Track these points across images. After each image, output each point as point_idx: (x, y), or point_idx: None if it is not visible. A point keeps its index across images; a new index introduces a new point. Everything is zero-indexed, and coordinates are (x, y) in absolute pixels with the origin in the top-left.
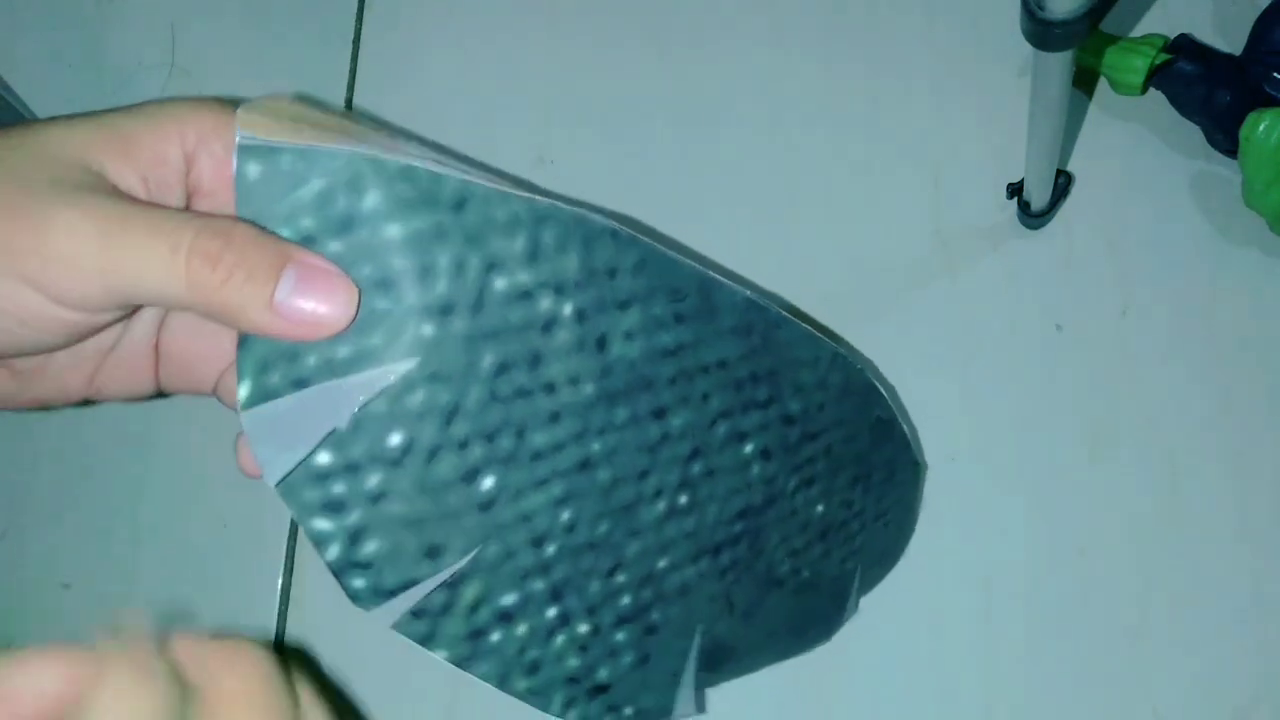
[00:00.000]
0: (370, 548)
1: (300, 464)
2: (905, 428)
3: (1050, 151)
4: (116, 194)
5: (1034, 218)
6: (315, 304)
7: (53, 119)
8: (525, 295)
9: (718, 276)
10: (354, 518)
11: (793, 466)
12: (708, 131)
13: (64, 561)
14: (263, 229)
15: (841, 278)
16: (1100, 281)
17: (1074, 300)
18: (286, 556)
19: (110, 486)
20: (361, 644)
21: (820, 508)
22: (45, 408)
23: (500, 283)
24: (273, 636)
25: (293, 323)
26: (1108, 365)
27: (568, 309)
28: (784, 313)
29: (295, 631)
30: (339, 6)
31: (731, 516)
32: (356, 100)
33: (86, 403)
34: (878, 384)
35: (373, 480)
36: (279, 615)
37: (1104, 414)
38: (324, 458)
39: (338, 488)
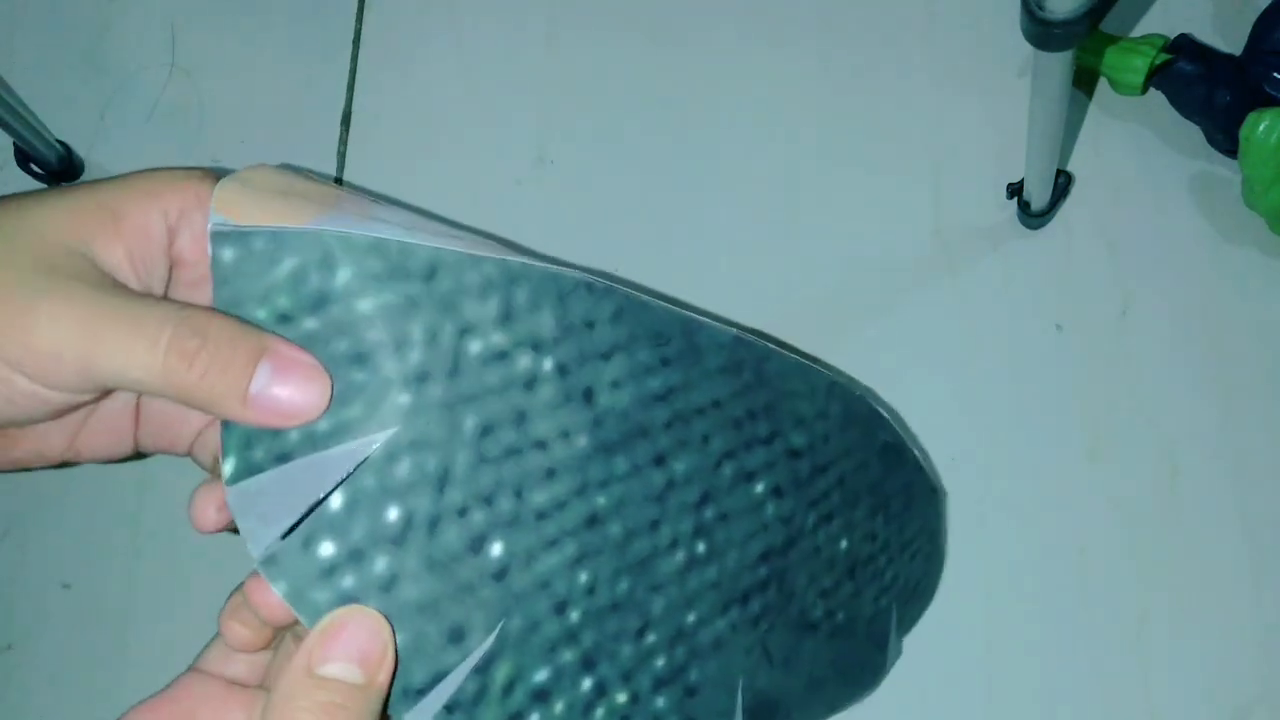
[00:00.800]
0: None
1: (304, 561)
2: (916, 452)
3: (1050, 151)
4: (101, 282)
5: (1034, 218)
6: (290, 395)
7: (39, 194)
8: (501, 356)
9: (699, 317)
10: None
11: (808, 502)
12: (707, 131)
13: (64, 561)
14: (240, 320)
15: (842, 277)
16: (1100, 281)
17: (1074, 300)
18: None
19: (110, 486)
20: None
21: (844, 543)
22: (23, 469)
23: (475, 346)
24: None
25: (267, 413)
26: (1108, 365)
27: (548, 364)
28: (772, 346)
29: None
30: (339, 6)
31: (754, 560)
32: (356, 100)
33: (64, 465)
34: (880, 409)
35: (380, 564)
36: None
37: (1104, 414)
38: (327, 548)
39: (347, 581)
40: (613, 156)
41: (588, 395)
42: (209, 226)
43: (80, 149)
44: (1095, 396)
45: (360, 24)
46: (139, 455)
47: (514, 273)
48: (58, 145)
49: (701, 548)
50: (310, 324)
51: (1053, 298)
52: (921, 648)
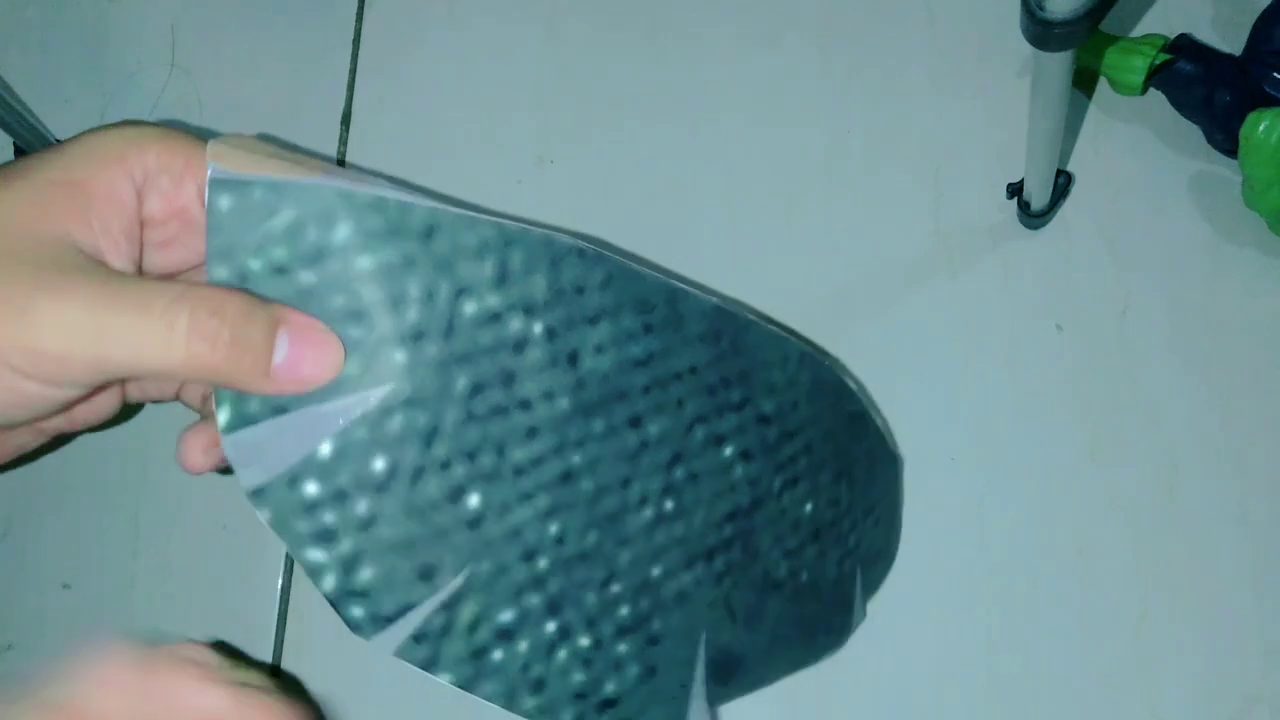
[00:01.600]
0: (365, 575)
1: (288, 495)
2: (879, 421)
3: (1050, 151)
4: (93, 269)
5: (1034, 218)
6: (309, 364)
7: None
8: (495, 318)
9: (684, 286)
10: (346, 546)
11: (775, 466)
12: (707, 131)
13: (64, 561)
14: (246, 292)
15: (842, 277)
16: (1100, 281)
17: (1074, 300)
18: (286, 558)
19: (110, 487)
20: (364, 645)
21: (809, 506)
22: (20, 454)
23: (470, 307)
24: (273, 638)
25: (289, 385)
26: (1108, 365)
27: (538, 328)
28: (751, 317)
29: (295, 633)
30: (339, 6)
31: (720, 519)
32: (356, 100)
33: (59, 438)
34: (846, 380)
35: (361, 506)
36: (279, 617)
37: (1104, 414)
38: (311, 488)
39: (328, 517)
40: (613, 156)
41: (572, 358)
42: (208, 174)
43: None
44: (1095, 396)
45: (360, 24)
46: (126, 411)
47: (510, 235)
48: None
49: (670, 505)
50: (307, 278)
51: (1053, 298)
52: (921, 649)
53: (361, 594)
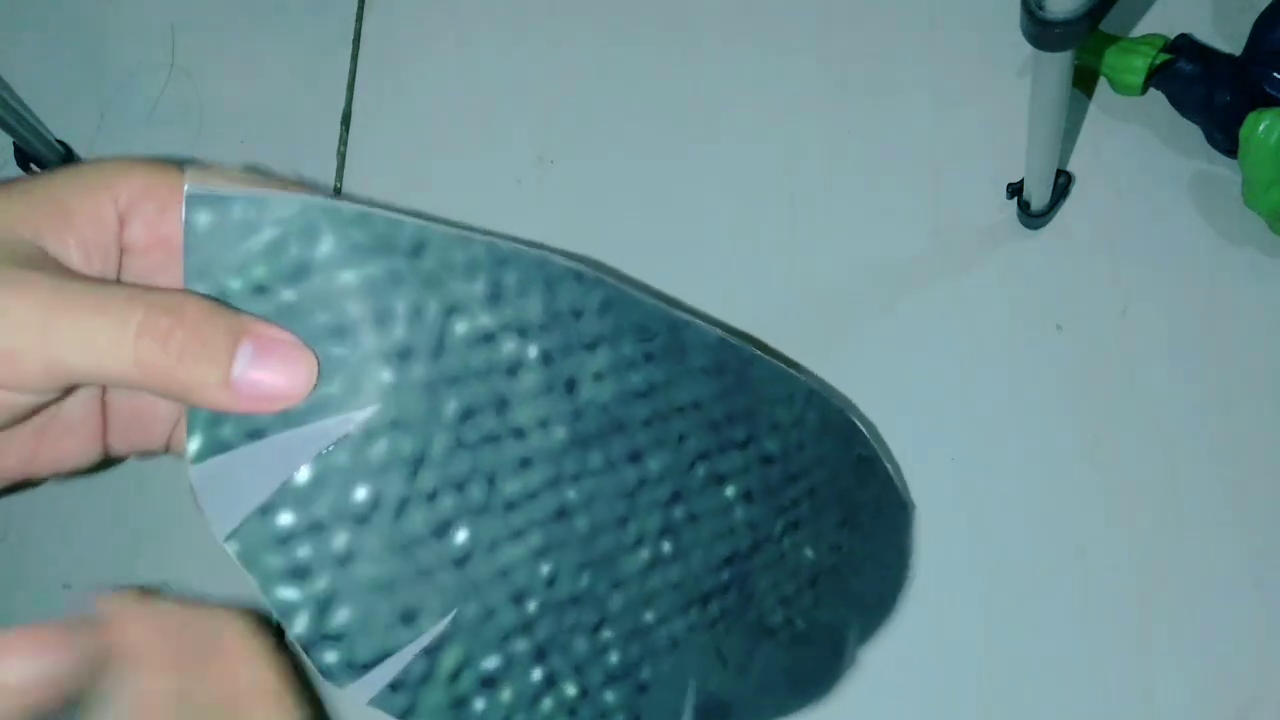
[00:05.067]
0: (341, 616)
1: (260, 526)
2: (889, 467)
3: (1050, 151)
4: (56, 268)
5: (1034, 218)
6: (274, 378)
7: None
8: (488, 338)
9: (686, 316)
10: (322, 584)
11: (777, 509)
12: (707, 131)
13: (64, 562)
14: (213, 300)
15: (842, 277)
16: (1100, 281)
17: (1074, 300)
18: None
19: (110, 487)
20: None
21: (809, 552)
22: None
23: (461, 326)
24: (272, 639)
25: (251, 399)
26: (1107, 365)
27: (533, 351)
28: (756, 351)
29: None
30: (339, 7)
31: (718, 563)
32: (356, 100)
33: (23, 485)
34: (857, 422)
35: (340, 540)
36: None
37: (1104, 413)
38: (286, 518)
39: (302, 551)
40: (612, 157)
41: (570, 385)
42: (184, 189)
43: (80, 149)
44: (1095, 396)
45: (360, 24)
46: (108, 463)
47: (503, 255)
48: (58, 145)
49: (667, 547)
50: (288, 295)
51: (1053, 298)
52: (921, 647)
53: (336, 638)
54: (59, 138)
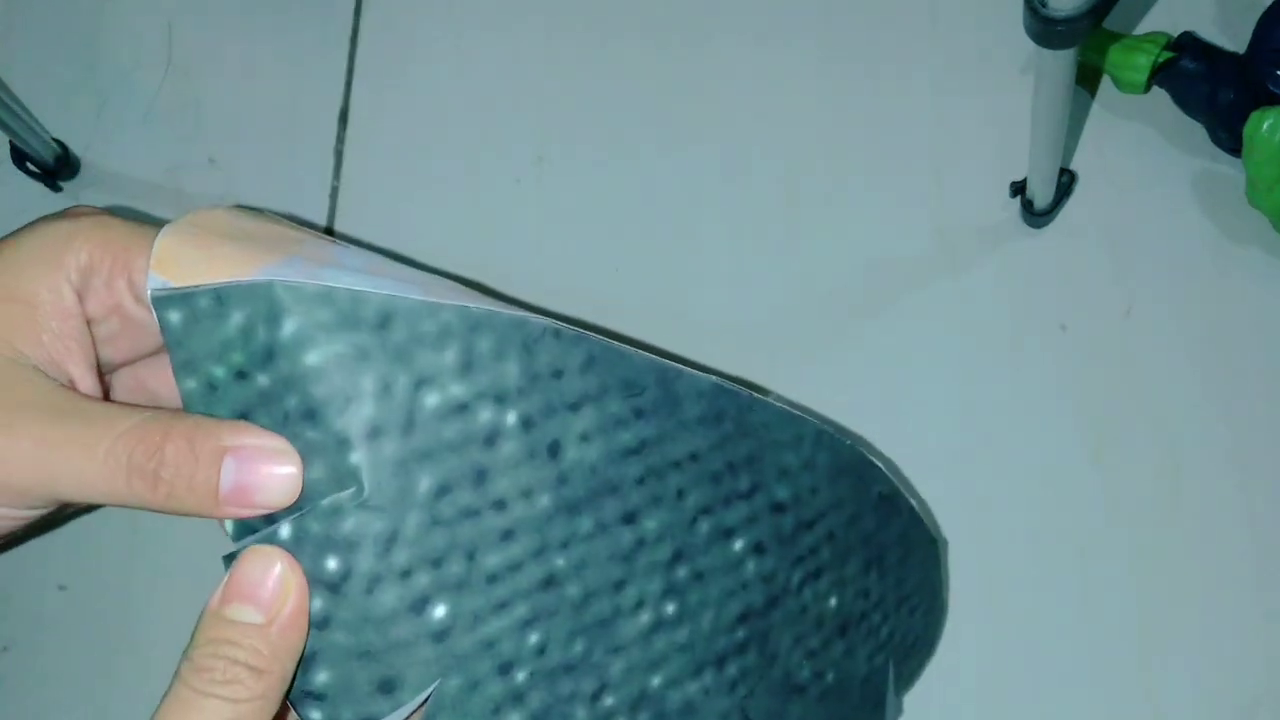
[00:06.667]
0: (321, 677)
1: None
2: (914, 502)
3: (1053, 150)
4: (46, 398)
5: (1037, 217)
6: (256, 490)
7: None
8: (461, 409)
9: (677, 365)
10: None
11: (793, 559)
12: (707, 131)
13: (60, 563)
14: (194, 417)
15: (842, 277)
16: (1104, 281)
17: (1077, 300)
18: None
19: None
20: None
21: (833, 601)
22: None
23: (432, 399)
24: None
25: (241, 510)
26: (1111, 365)
27: (511, 418)
28: (755, 394)
29: None
30: (336, 4)
31: (731, 622)
32: (354, 98)
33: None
34: (873, 458)
35: (315, 603)
36: None
37: (1108, 414)
38: None
39: None
40: (612, 156)
41: (553, 450)
42: (149, 292)
43: (77, 148)
44: (1099, 397)
45: (358, 21)
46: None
47: (475, 320)
48: (54, 144)
49: (670, 608)
50: (263, 380)
51: (1056, 297)
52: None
53: (319, 697)
54: (55, 136)
